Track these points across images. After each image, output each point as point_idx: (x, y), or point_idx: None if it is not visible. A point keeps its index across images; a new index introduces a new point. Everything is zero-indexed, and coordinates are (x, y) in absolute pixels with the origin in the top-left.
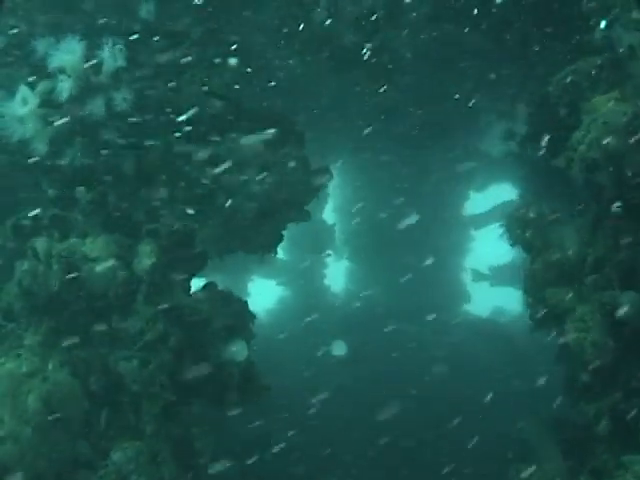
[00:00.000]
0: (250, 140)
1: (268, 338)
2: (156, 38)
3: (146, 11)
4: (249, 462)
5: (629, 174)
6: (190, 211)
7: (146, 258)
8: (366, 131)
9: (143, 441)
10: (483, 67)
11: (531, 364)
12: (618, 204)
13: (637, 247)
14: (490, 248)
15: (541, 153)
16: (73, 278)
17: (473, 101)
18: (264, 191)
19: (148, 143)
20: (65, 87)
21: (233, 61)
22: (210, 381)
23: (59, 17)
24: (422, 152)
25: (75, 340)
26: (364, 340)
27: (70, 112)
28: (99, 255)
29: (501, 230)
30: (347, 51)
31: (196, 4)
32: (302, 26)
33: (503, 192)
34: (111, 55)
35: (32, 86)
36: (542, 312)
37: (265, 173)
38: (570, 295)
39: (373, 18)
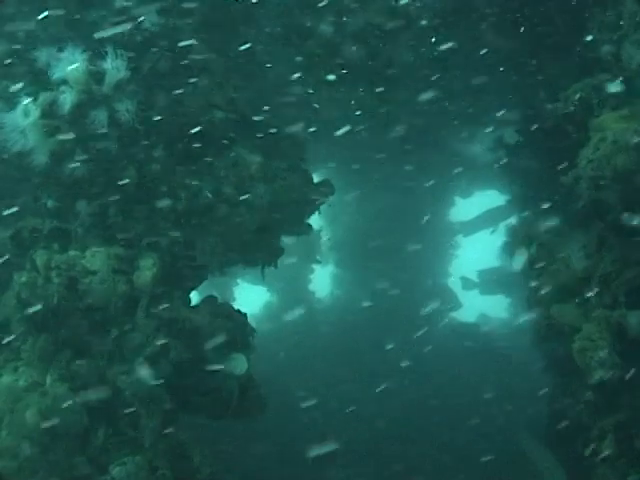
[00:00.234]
0: None
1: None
2: (159, 49)
3: (149, 22)
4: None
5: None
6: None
7: (147, 271)
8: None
9: (142, 455)
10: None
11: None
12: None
13: None
14: (477, 254)
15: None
16: (73, 291)
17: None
18: (265, 204)
19: (149, 154)
20: (67, 99)
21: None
22: (210, 395)
23: (61, 28)
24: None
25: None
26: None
27: (72, 123)
28: (99, 268)
29: (491, 234)
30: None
31: (200, 16)
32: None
33: (489, 198)
34: (114, 66)
35: (34, 97)
36: (546, 327)
37: (266, 186)
38: (576, 311)
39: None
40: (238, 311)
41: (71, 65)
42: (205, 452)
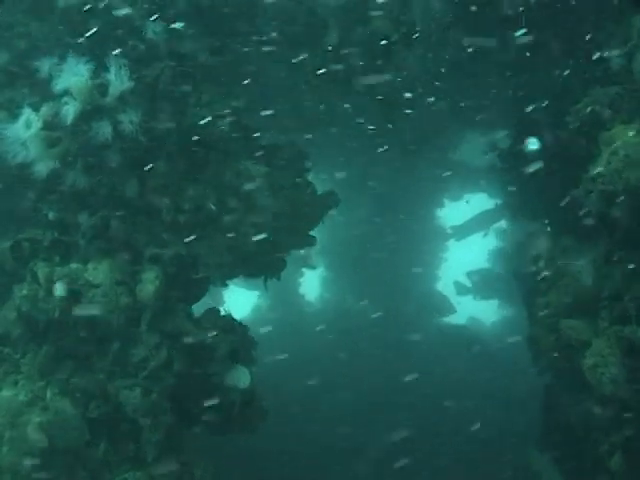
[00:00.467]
0: None
1: None
2: (162, 59)
3: (152, 31)
4: None
5: None
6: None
7: (149, 284)
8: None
9: (144, 470)
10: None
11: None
12: None
13: None
14: (466, 256)
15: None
16: (75, 304)
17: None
18: (269, 216)
19: (152, 166)
20: (70, 110)
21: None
22: (212, 408)
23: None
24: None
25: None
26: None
27: (75, 135)
28: (102, 281)
29: (483, 238)
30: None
31: (204, 26)
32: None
33: (479, 202)
34: (117, 77)
35: (36, 108)
36: (555, 342)
37: (270, 197)
38: (586, 326)
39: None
40: (240, 323)
41: (74, 76)
42: (208, 466)
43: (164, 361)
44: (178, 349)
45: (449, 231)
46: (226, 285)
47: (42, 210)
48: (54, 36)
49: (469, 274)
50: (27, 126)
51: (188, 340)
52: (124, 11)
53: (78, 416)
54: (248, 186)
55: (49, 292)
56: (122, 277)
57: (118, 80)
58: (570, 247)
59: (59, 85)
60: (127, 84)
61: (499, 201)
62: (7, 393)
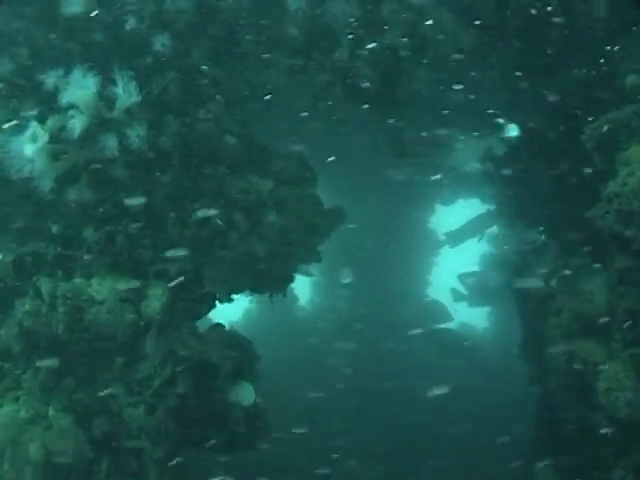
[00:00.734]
0: None
1: None
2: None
3: (160, 44)
4: None
5: None
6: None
7: (155, 300)
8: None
9: None
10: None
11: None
12: None
13: None
14: (458, 260)
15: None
16: (79, 321)
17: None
18: (276, 231)
19: (158, 180)
20: (77, 124)
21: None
22: (216, 426)
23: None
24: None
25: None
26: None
27: (81, 149)
28: (106, 297)
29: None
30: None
31: (212, 40)
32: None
33: (472, 207)
34: (125, 90)
35: (42, 121)
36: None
37: (277, 212)
38: (599, 347)
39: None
40: (244, 338)
41: (81, 89)
42: None
43: (168, 378)
44: (182, 366)
45: (442, 238)
46: (231, 300)
47: (46, 224)
48: (60, 47)
49: (461, 277)
50: (33, 140)
51: (193, 357)
52: (131, 24)
53: (80, 433)
54: (255, 200)
55: (53, 308)
56: (127, 293)
57: (126, 94)
58: (583, 266)
59: (65, 98)
60: (135, 98)
61: (492, 207)
62: (8, 409)
